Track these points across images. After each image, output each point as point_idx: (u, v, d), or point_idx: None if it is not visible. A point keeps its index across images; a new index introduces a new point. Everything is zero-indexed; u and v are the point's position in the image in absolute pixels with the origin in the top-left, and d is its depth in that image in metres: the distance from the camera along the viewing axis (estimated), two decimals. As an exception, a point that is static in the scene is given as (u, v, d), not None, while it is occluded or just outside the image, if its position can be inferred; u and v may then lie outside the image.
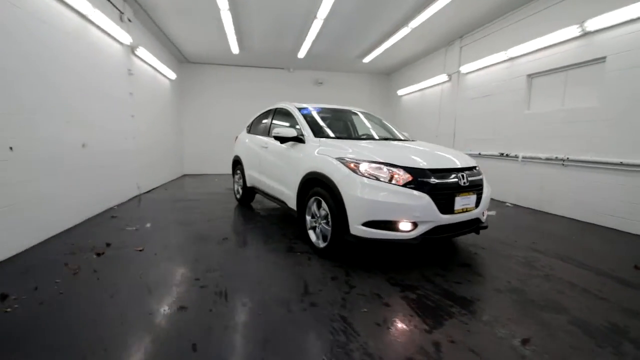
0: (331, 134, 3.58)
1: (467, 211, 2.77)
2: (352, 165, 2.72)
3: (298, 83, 10.45)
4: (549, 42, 4.96)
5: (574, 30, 4.53)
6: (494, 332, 1.91)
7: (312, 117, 3.86)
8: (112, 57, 5.03)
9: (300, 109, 3.96)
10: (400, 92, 9.94)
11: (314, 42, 7.37)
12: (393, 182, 2.57)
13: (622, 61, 4.06)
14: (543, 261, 3.08)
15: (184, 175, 9.70)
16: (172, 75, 8.28)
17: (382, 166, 2.64)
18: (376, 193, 2.54)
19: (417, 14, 5.85)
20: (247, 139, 5.14)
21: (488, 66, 6.30)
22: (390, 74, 10.84)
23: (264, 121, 4.75)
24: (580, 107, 4.63)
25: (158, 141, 7.42)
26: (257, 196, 5.61)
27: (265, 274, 2.65)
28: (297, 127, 3.71)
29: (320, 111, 4.08)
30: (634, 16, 3.86)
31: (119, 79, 5.29)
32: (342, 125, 4.21)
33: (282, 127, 3.63)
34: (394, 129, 4.29)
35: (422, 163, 2.70)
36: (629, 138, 4.00)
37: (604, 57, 4.27)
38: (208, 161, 10.15)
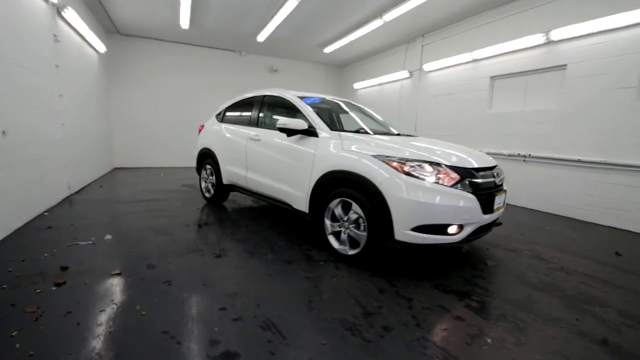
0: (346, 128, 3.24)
1: (499, 210, 2.77)
2: (394, 164, 2.45)
3: (250, 68, 9.63)
4: (514, 47, 5.38)
5: (539, 38, 4.97)
6: (575, 335, 1.88)
7: (321, 108, 3.46)
8: (34, 17, 3.77)
9: (301, 98, 3.51)
10: (356, 85, 9.93)
11: (280, 25, 6.78)
12: (441, 182, 2.39)
13: (581, 69, 4.59)
14: (546, 253, 3.28)
15: (116, 169, 8.15)
16: (102, 48, 6.78)
17: (429, 166, 2.43)
18: (429, 195, 2.33)
19: (392, 8, 5.79)
20: (221, 129, 4.44)
21: (452, 66, 6.62)
22: (344, 66, 10.76)
23: (248, 110, 4.12)
24: (542, 109, 5.14)
25: (87, 128, 5.99)
26: (231, 194, 4.96)
27: (301, 293, 2.23)
28: (301, 118, 3.27)
29: (321, 102, 3.68)
30: (594, 30, 4.37)
31: (44, 46, 4.02)
32: (339, 117, 3.89)
33: (286, 118, 3.15)
34: (387, 123, 4.14)
35: (467, 162, 2.58)
36: (586, 138, 4.57)
37: (565, 65, 4.79)
38: (144, 152, 8.70)
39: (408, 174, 2.39)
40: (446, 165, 2.45)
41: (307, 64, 10.42)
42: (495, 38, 5.66)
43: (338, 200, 2.77)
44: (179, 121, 8.96)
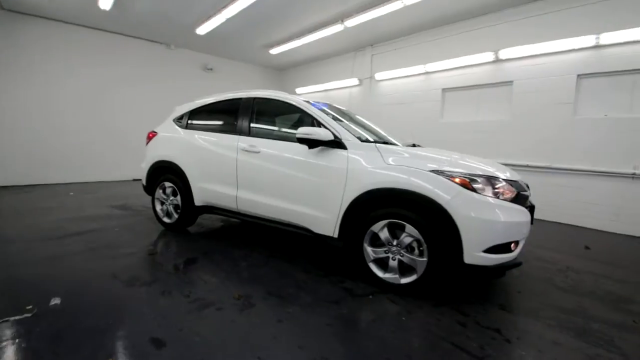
0: (370, 138, 2.87)
1: (531, 222, 2.82)
2: (457, 180, 2.23)
3: (180, 65, 8.35)
4: (465, 63, 5.87)
5: (489, 56, 5.53)
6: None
7: (335, 115, 3.01)
8: None
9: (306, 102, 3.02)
10: (299, 90, 9.60)
11: (230, 19, 5.97)
12: (503, 197, 2.27)
13: (526, 86, 5.26)
14: (541, 253, 3.55)
15: (-4, 189, 5.96)
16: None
17: (493, 181, 2.28)
18: (501, 213, 2.17)
19: (355, 14, 5.70)
20: (190, 138, 3.54)
21: (406, 77, 6.90)
22: (283, 70, 10.32)
23: (231, 115, 3.36)
24: (493, 120, 5.72)
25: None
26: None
27: (390, 346, 1.80)
28: (312, 126, 2.81)
29: (327, 107, 3.24)
30: (537, 52, 5.05)
31: None
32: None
33: (309, 127, 2.62)
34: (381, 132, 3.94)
35: (513, 175, 2.53)
36: (532, 146, 5.24)
37: (512, 81, 5.42)
38: (36, 165, 6.62)
39: (475, 190, 2.20)
40: (504, 180, 2.35)
41: (246, 65, 9.62)
42: (448, 53, 6.10)
43: (384, 222, 2.40)
44: (87, 125, 7.13)
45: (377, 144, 2.61)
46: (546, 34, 4.90)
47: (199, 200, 3.47)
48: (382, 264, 2.48)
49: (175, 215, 3.69)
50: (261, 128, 3.22)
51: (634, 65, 4.27)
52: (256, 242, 3.51)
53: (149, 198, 5.63)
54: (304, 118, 3.01)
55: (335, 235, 2.63)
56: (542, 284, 2.77)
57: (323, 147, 2.66)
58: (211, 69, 8.81)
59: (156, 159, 3.79)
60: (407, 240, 2.34)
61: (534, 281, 2.82)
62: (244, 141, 3.13)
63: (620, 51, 4.34)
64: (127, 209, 4.85)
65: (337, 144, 2.64)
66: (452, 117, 6.32)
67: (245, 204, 3.13)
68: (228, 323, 1.95)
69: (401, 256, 2.38)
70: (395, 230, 2.39)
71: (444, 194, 2.20)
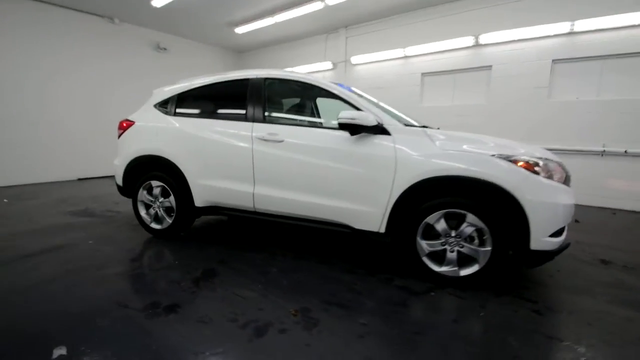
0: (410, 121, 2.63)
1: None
2: (521, 164, 2.13)
3: (126, 44, 7.17)
4: (446, 47, 5.93)
5: (469, 40, 5.63)
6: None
7: (364, 96, 2.71)
8: None
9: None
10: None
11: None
12: (559, 180, 2.24)
13: (504, 70, 5.47)
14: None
15: None
16: None
17: (550, 164, 2.22)
18: (564, 196, 2.13)
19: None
20: (184, 127, 2.96)
21: (384, 60, 6.77)
22: (245, 52, 9.54)
23: (235, 99, 2.85)
24: (472, 104, 5.90)
25: None
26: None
27: (495, 351, 1.64)
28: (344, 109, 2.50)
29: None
30: (515, 37, 5.25)
31: None
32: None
33: (352, 111, 2.29)
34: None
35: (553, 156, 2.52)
36: (510, 128, 5.51)
37: (491, 66, 5.60)
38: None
39: (538, 174, 2.12)
40: (556, 162, 2.31)
41: (205, 46, 8.67)
42: (428, 37, 6.09)
43: (441, 212, 2.23)
44: (11, 116, 5.78)
45: (425, 129, 2.41)
46: (524, 19, 5.11)
47: (201, 200, 2.94)
48: (436, 257, 2.33)
49: (168, 220, 3.10)
50: (280, 113, 2.80)
51: (603, 52, 4.66)
52: (268, 242, 3.12)
53: (112, 200, 4.90)
54: (333, 100, 2.67)
55: (382, 231, 2.39)
56: (570, 260, 2.87)
57: (366, 133, 2.37)
58: (165, 49, 7.74)
59: (138, 154, 3.12)
60: (468, 230, 2.19)
61: (560, 258, 2.92)
62: (259, 129, 2.68)
63: (591, 38, 4.70)
64: (91, 215, 4.02)
65: (380, 129, 2.37)
66: (432, 101, 6.40)
67: (265, 201, 2.71)
68: (303, 348, 1.62)
69: (460, 247, 2.24)
70: (450, 221, 2.24)
71: (510, 179, 2.08)
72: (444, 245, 2.28)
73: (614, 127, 4.61)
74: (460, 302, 2.11)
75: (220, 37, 8.06)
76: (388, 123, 2.41)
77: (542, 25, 4.94)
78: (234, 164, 2.77)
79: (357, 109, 2.47)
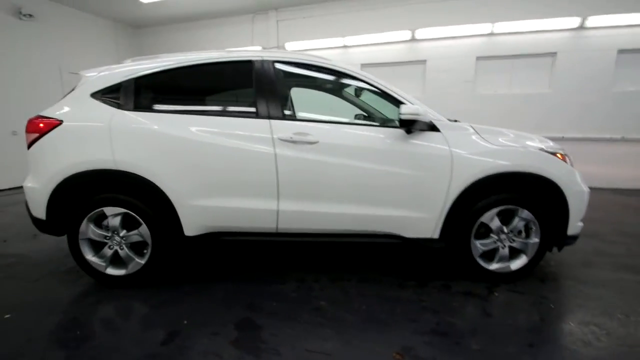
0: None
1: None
2: (559, 155, 2.23)
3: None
4: (384, 40, 6.04)
5: (407, 34, 5.87)
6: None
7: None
8: None
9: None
10: (174, 57, 7.50)
11: None
12: (572, 168, 2.47)
13: (437, 65, 5.94)
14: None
15: None
16: None
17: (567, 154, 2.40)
18: (585, 183, 2.34)
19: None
20: (160, 127, 2.06)
21: (322, 49, 6.48)
22: (144, 28, 7.76)
23: (242, 90, 2.15)
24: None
25: None
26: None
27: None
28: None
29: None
30: (446, 35, 5.73)
31: None
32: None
33: (412, 105, 1.94)
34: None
35: None
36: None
37: (425, 60, 5.99)
38: None
39: (572, 165, 2.28)
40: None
41: (88, 15, 6.62)
42: (367, 28, 6.09)
43: (496, 210, 2.18)
44: None
45: (471, 124, 2.29)
46: (454, 18, 5.62)
47: (195, 226, 2.15)
48: (486, 255, 2.29)
49: (139, 260, 2.16)
50: (304, 108, 2.24)
51: (513, 52, 5.53)
52: (279, 266, 2.56)
53: (13, 232, 3.16)
54: (359, 91, 2.30)
55: (436, 236, 2.21)
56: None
57: (420, 131, 2.10)
58: (31, 16, 5.52)
59: (76, 170, 2.05)
60: (520, 225, 2.22)
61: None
62: (281, 128, 2.08)
63: (506, 39, 5.51)
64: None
65: (430, 126, 2.14)
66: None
67: (293, 219, 2.16)
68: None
69: (511, 242, 2.26)
70: (502, 217, 2.22)
71: (556, 171, 2.17)
72: (496, 242, 2.26)
73: (526, 116, 5.57)
74: (527, 297, 2.12)
75: (114, 5, 6.27)
76: (437, 118, 2.20)
77: (469, 25, 5.53)
78: (248, 175, 2.10)
79: (399, 101, 2.18)
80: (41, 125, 2.11)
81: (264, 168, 2.08)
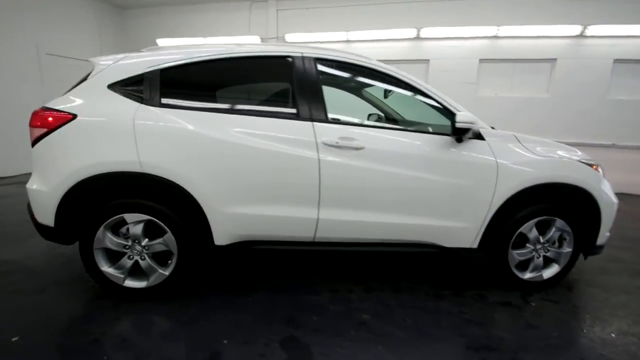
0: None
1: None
2: (594, 167, 2.25)
3: None
4: (389, 36, 5.94)
5: (412, 32, 5.80)
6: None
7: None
8: None
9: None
10: (163, 42, 7.03)
11: None
12: (601, 179, 2.51)
13: (439, 65, 5.92)
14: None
15: None
16: None
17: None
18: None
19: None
20: (192, 125, 1.85)
21: (324, 42, 6.28)
22: (130, 9, 7.20)
23: (280, 88, 1.97)
24: (412, 94, 6.20)
25: None
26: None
27: None
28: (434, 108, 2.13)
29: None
30: (450, 35, 5.71)
31: None
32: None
33: (467, 113, 1.86)
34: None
35: None
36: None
37: (428, 60, 5.96)
38: None
39: (604, 175, 2.30)
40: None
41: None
42: (371, 23, 5.96)
43: (535, 221, 2.17)
44: None
45: (514, 133, 2.25)
46: (459, 19, 5.60)
47: (227, 235, 1.98)
48: (521, 264, 2.29)
49: (162, 271, 1.97)
50: (348, 110, 2.10)
51: (515, 56, 5.61)
52: (301, 275, 2.44)
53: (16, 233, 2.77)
54: (388, 92, 2.21)
55: (475, 246, 2.17)
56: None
57: (469, 139, 2.04)
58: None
59: (94, 171, 1.81)
60: (556, 235, 2.23)
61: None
62: (326, 132, 1.94)
63: (509, 43, 5.57)
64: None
65: (477, 134, 2.08)
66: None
67: (333, 228, 2.04)
68: None
69: (546, 252, 2.26)
70: (539, 227, 2.22)
71: (592, 182, 2.19)
72: (531, 252, 2.25)
73: (525, 120, 5.68)
74: (561, 307, 2.14)
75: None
76: (481, 126, 2.14)
77: (474, 27, 5.54)
78: (288, 180, 1.95)
79: (446, 108, 2.10)
80: (50, 119, 1.85)
81: (306, 174, 1.93)
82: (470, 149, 2.06)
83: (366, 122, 2.14)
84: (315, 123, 1.96)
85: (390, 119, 2.66)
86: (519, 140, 2.19)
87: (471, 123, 1.90)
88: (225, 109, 1.97)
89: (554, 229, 2.22)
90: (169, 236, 1.94)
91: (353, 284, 2.32)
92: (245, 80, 2.17)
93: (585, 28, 5.09)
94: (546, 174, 2.12)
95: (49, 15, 5.76)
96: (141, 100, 1.90)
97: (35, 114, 1.90)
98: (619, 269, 2.74)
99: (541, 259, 2.27)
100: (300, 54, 2.05)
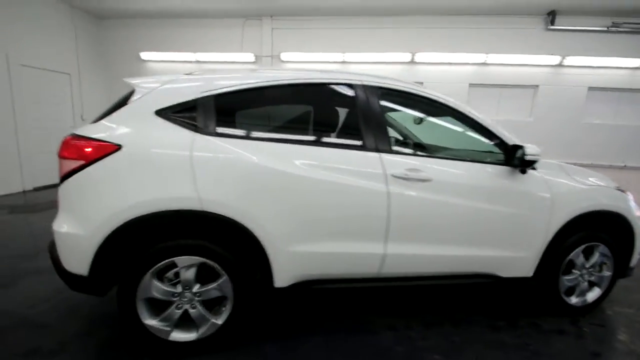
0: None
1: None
2: (628, 194, 2.38)
3: None
4: (384, 59, 6.10)
5: (407, 56, 6.00)
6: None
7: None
8: None
9: None
10: (147, 55, 6.65)
11: None
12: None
13: (431, 88, 6.12)
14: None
15: None
16: None
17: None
18: None
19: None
20: (255, 157, 1.68)
21: (321, 62, 6.29)
22: (108, 19, 6.73)
23: (343, 116, 1.87)
24: (406, 115, 6.35)
25: None
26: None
27: None
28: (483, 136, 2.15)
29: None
30: (443, 60, 5.98)
31: None
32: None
33: (533, 145, 1.88)
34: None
35: None
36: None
37: (422, 82, 6.16)
38: None
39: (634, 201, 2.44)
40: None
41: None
42: (367, 46, 6.09)
43: (582, 247, 2.23)
44: None
45: (559, 162, 2.32)
46: (452, 46, 5.90)
47: (289, 276, 1.80)
48: (568, 290, 2.33)
49: (214, 321, 1.73)
50: (409, 140, 2.04)
51: (502, 81, 5.99)
52: (350, 312, 2.30)
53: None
54: (467, 125, 2.21)
55: (531, 275, 2.18)
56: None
57: (513, 168, 2.06)
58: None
59: (143, 210, 1.57)
60: (599, 260, 2.30)
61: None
62: (393, 163, 1.86)
63: (496, 70, 5.94)
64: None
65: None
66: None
67: (399, 263, 1.94)
68: None
69: (590, 277, 2.33)
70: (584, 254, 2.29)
71: (628, 208, 2.31)
72: (577, 278, 2.31)
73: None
74: (609, 331, 2.19)
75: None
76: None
77: (465, 53, 5.86)
78: (356, 215, 1.83)
79: (499, 138, 2.12)
80: (89, 149, 1.59)
81: (375, 207, 1.83)
82: (529, 180, 2.08)
83: (423, 151, 2.10)
84: (382, 154, 1.88)
85: (445, 149, 2.65)
86: (563, 170, 2.27)
87: (538, 155, 1.93)
88: (289, 139, 1.82)
89: (597, 254, 2.29)
90: (225, 280, 1.72)
91: (409, 319, 2.22)
92: (305, 109, 2.04)
93: (563, 58, 5.58)
94: (592, 203, 2.20)
95: (20, 24, 5.21)
96: (195, 128, 1.71)
97: (67, 144, 1.63)
98: (637, 286, 2.90)
99: (586, 283, 2.33)
100: (359, 82, 1.98)
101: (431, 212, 1.93)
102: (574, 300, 2.32)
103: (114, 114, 1.72)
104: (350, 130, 1.96)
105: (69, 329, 1.95)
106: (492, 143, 2.15)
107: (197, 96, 1.75)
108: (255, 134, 1.80)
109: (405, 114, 2.37)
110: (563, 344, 2.03)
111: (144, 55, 6.68)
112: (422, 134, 2.49)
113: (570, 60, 5.59)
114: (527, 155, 1.91)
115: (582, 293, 2.33)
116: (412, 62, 6.13)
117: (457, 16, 5.87)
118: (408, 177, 1.87)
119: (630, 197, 2.40)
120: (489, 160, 2.13)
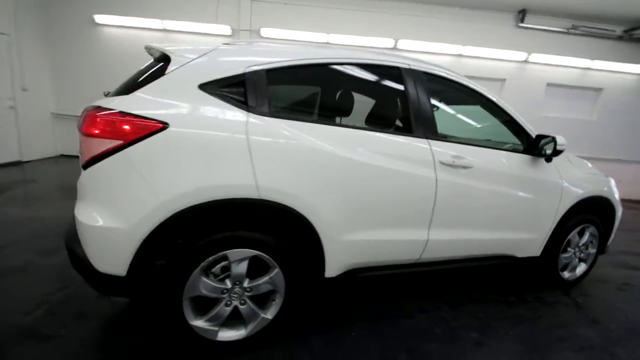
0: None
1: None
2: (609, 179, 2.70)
3: None
4: (367, 43, 6.04)
5: (390, 42, 6.02)
6: None
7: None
8: None
9: None
10: (102, 19, 5.78)
11: None
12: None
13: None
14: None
15: None
16: None
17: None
18: None
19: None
20: (313, 141, 1.57)
21: (303, 41, 6.02)
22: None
23: (392, 100, 1.82)
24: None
25: None
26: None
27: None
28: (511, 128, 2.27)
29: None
30: (424, 49, 6.10)
31: None
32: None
33: (561, 136, 1.99)
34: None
35: None
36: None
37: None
38: None
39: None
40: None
41: None
42: (351, 28, 5.97)
43: (579, 228, 2.52)
44: None
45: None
46: (433, 35, 6.04)
47: (340, 265, 1.75)
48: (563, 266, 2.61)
49: (264, 315, 1.63)
50: (452, 127, 2.04)
51: (474, 74, 6.30)
52: (377, 297, 2.33)
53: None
54: (496, 115, 2.27)
55: (538, 254, 2.41)
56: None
57: (533, 157, 2.21)
58: None
59: (195, 200, 1.38)
60: (589, 239, 2.61)
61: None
62: (440, 150, 1.87)
63: (470, 62, 6.25)
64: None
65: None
66: (348, 94, 6.46)
67: (438, 248, 1.99)
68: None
69: (580, 254, 2.63)
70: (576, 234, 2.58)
71: (614, 194, 2.63)
72: (571, 256, 2.59)
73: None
74: (597, 302, 2.52)
75: None
76: (552, 144, 2.36)
77: (443, 44, 6.05)
78: (407, 202, 1.82)
79: (524, 129, 2.25)
80: (127, 127, 1.33)
81: (424, 194, 1.84)
82: (548, 167, 2.25)
83: (471, 140, 2.14)
84: (430, 140, 1.88)
85: (477, 138, 2.73)
86: (569, 159, 2.49)
87: (564, 146, 2.08)
88: (347, 124, 1.72)
89: (588, 234, 2.60)
90: (277, 272, 1.61)
91: (434, 301, 2.31)
92: (359, 90, 1.93)
93: (529, 55, 6.07)
94: (592, 188, 2.47)
95: None
96: (247, 107, 1.53)
97: (93, 118, 1.35)
98: (606, 262, 3.34)
99: (577, 260, 2.64)
100: (406, 65, 1.95)
101: (470, 198, 2.00)
102: (566, 275, 2.62)
103: (150, 86, 1.46)
104: (404, 116, 1.92)
105: (78, 340, 1.68)
106: (519, 133, 2.26)
107: (245, 70, 1.55)
108: (311, 116, 1.68)
109: (444, 102, 2.41)
110: (568, 314, 2.29)
111: (99, 18, 5.79)
112: (454, 123, 2.56)
113: (534, 57, 6.10)
114: (559, 145, 2.06)
115: (573, 269, 2.65)
116: (395, 48, 6.18)
117: (438, 6, 6.01)
118: (454, 164, 1.90)
119: (613, 182, 2.73)
120: (515, 149, 2.26)
